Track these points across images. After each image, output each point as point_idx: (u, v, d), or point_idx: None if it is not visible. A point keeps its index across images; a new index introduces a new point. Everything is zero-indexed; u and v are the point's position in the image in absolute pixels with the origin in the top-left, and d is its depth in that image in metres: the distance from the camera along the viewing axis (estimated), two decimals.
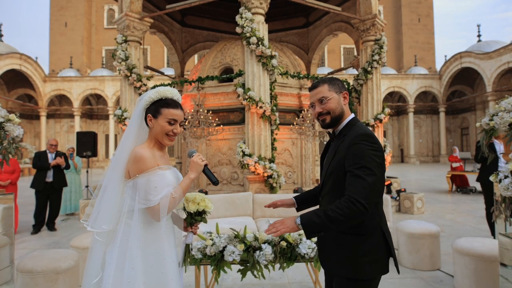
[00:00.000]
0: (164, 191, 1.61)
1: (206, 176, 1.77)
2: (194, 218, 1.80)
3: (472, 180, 11.35)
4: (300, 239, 2.68)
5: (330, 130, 1.76)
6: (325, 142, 8.70)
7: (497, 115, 2.91)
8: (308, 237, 1.50)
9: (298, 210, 1.99)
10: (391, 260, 1.63)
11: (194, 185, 7.31)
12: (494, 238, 3.76)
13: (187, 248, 1.89)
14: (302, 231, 1.53)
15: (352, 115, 1.71)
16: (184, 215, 1.86)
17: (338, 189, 1.58)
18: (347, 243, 1.56)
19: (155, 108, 1.70)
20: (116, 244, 1.61)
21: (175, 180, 1.71)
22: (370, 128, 7.64)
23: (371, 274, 1.54)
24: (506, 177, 2.57)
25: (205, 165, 1.75)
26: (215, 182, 1.75)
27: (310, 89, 1.74)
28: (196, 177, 1.73)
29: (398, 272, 1.63)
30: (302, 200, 1.97)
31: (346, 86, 8.32)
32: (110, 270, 1.57)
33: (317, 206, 2.01)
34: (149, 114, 1.70)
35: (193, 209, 1.77)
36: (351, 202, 1.44)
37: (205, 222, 1.84)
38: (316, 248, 2.57)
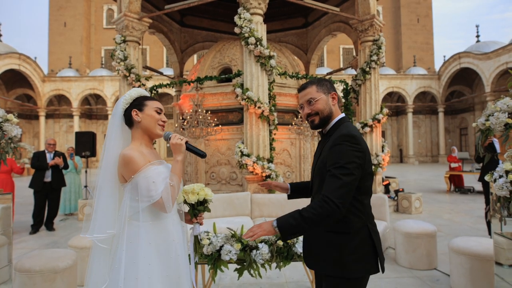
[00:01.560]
0: (163, 184, 1.63)
1: (192, 152, 1.77)
2: (196, 209, 1.82)
3: (469, 180, 11.40)
4: (297, 239, 2.70)
5: (322, 130, 1.77)
6: None
7: (493, 115, 2.93)
8: (284, 239, 1.52)
9: (289, 198, 2.00)
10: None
11: None
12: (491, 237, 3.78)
13: (196, 239, 1.90)
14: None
15: (341, 115, 1.71)
16: (186, 208, 1.87)
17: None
18: (333, 242, 1.57)
19: (138, 102, 1.74)
20: (123, 248, 1.61)
21: (169, 173, 1.72)
22: (368, 129, 7.67)
23: (358, 273, 1.55)
24: (501, 176, 2.59)
25: (186, 142, 1.74)
26: (202, 155, 1.76)
27: (299, 90, 1.75)
28: (183, 158, 1.73)
29: (383, 271, 1.63)
30: (296, 188, 1.98)
31: (345, 86, 8.35)
32: (120, 274, 1.58)
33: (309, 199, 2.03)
34: (134, 109, 1.71)
35: (194, 199, 1.78)
36: (324, 201, 1.46)
37: (209, 211, 1.85)
38: None
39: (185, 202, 1.81)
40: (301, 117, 6.99)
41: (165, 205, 1.60)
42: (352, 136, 1.56)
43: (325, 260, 1.59)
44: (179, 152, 1.71)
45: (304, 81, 8.00)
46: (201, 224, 1.87)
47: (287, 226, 1.48)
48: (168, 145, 1.84)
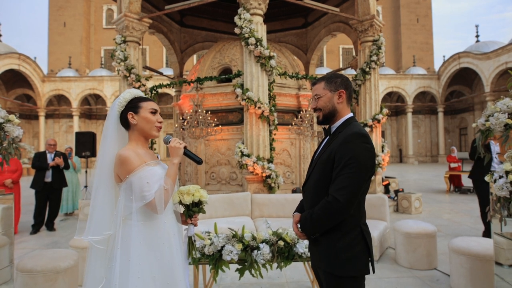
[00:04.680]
0: (157, 185, 1.65)
1: (189, 158, 1.80)
2: (191, 210, 1.83)
3: (468, 180, 11.39)
4: (297, 239, 2.71)
5: (326, 127, 1.79)
6: None
7: (493, 115, 2.94)
8: (309, 238, 1.68)
9: None
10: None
11: None
12: (490, 237, 3.79)
13: (190, 241, 1.92)
14: None
15: (350, 115, 1.72)
16: (182, 209, 1.88)
17: (322, 186, 1.61)
18: (327, 239, 1.59)
19: (133, 105, 1.76)
20: (118, 247, 1.63)
21: (164, 174, 1.74)
22: (368, 129, 7.68)
23: (352, 272, 1.55)
24: (501, 177, 2.60)
25: (185, 147, 1.78)
26: (199, 161, 1.80)
27: (312, 84, 1.83)
28: (179, 162, 1.76)
29: (373, 272, 1.65)
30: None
31: None
32: (115, 272, 1.60)
33: None
34: (130, 112, 1.74)
35: (189, 200, 1.79)
36: (328, 202, 1.51)
37: (204, 212, 1.86)
38: None
39: (180, 203, 1.83)
40: (301, 117, 7.00)
41: (157, 207, 1.62)
42: (363, 135, 1.58)
43: (320, 255, 1.62)
44: (176, 155, 1.75)
45: (304, 82, 8.05)
46: (195, 225, 1.89)
47: (305, 230, 1.65)
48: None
